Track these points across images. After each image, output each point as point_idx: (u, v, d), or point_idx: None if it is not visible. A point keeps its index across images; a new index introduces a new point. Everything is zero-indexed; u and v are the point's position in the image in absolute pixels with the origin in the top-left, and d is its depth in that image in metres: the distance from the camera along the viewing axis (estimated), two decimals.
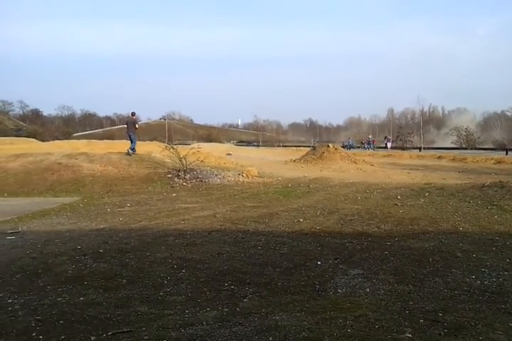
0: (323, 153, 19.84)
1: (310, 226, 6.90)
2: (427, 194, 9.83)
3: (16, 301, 3.96)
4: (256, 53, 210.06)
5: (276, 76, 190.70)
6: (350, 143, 48.28)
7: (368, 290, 4.21)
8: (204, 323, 3.45)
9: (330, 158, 19.27)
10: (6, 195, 11.75)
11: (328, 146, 20.64)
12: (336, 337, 3.18)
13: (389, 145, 48.07)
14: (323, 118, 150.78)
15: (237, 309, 3.75)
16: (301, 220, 7.37)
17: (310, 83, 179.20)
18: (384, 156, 29.98)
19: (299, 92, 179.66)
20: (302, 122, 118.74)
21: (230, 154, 16.48)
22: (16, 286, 4.36)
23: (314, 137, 71.70)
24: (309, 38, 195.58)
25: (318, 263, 5.06)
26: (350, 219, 7.39)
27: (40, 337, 3.25)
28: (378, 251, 5.56)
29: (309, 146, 41.17)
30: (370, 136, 52.70)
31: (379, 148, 46.79)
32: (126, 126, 17.23)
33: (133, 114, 17.46)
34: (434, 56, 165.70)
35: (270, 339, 3.17)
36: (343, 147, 34.08)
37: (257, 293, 4.15)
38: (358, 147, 48.52)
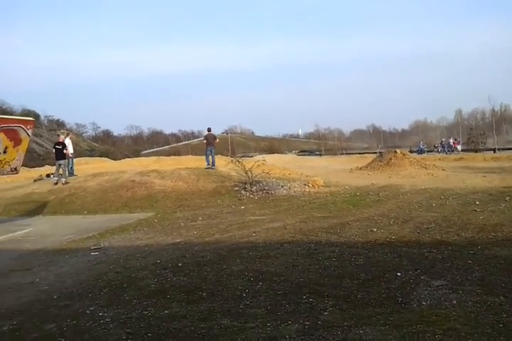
0: (391, 159, 19.25)
1: (385, 236, 6.70)
2: (507, 198, 9.27)
3: (106, 314, 4.18)
4: (312, 61, 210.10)
5: (335, 83, 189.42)
6: (421, 147, 46.12)
7: (454, 302, 4.01)
8: (287, 337, 3.45)
9: (398, 164, 18.64)
10: (85, 212, 12.49)
11: (396, 152, 20.01)
12: None
13: (459, 147, 45.73)
14: (386, 123, 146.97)
15: (319, 322, 3.70)
16: (375, 230, 7.18)
17: (371, 88, 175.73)
18: (455, 160, 28.59)
19: (361, 98, 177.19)
20: (365, 128, 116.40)
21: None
22: (104, 300, 4.60)
23: (378, 143, 69.53)
24: (369, 42, 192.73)
25: (398, 274, 4.89)
26: (427, 228, 7.10)
27: None
28: (461, 260, 5.29)
29: (374, 153, 40.13)
30: (447, 139, 48.74)
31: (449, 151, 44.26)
32: (205, 141, 17.93)
33: (209, 129, 18.39)
34: (502, 53, 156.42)
35: None
36: (411, 152, 32.70)
37: (337, 305, 4.08)
38: (430, 151, 46.14)
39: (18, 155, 10.55)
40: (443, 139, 48.80)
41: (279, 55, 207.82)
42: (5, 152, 10.05)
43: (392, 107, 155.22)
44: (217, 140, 18.49)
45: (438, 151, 44.86)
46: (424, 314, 3.75)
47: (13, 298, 4.94)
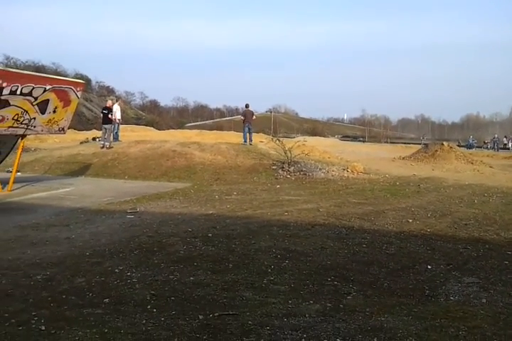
0: (436, 151, 18.62)
1: (420, 228, 6.53)
2: None
3: (133, 275, 4.31)
4: (365, 47, 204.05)
5: (387, 69, 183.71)
6: (471, 142, 44.31)
7: (484, 300, 3.88)
8: (307, 315, 3.45)
9: (443, 157, 18.02)
10: (126, 177, 12.83)
11: (443, 144, 19.34)
12: None
13: (511, 145, 43.70)
14: (436, 115, 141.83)
15: (341, 305, 3.68)
16: (410, 221, 7.01)
17: (424, 77, 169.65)
18: (505, 158, 27.30)
19: (412, 86, 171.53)
20: (413, 118, 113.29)
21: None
22: (134, 261, 4.74)
23: (425, 133, 67.17)
24: (426, 30, 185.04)
25: (429, 267, 4.77)
26: (466, 224, 6.86)
27: (154, 310, 3.50)
28: (497, 260, 5.09)
29: (420, 144, 38.94)
30: (509, 136, 46.00)
31: (501, 149, 42.15)
32: (243, 117, 17.73)
33: (247, 105, 18.15)
34: None
35: (375, 340, 3.06)
36: (459, 146, 31.43)
37: (362, 291, 4.03)
38: (480, 147, 44.28)
39: (66, 115, 10.84)
40: (495, 135, 46.67)
41: (332, 36, 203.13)
42: (54, 111, 10.35)
43: (444, 98, 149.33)
44: (255, 117, 18.09)
45: (487, 148, 43.02)
46: (451, 309, 3.66)
47: (49, 251, 5.18)
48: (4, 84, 8.66)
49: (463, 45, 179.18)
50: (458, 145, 28.04)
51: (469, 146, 41.24)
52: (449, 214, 7.59)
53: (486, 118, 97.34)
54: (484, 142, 47.59)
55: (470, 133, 57.64)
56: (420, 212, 7.76)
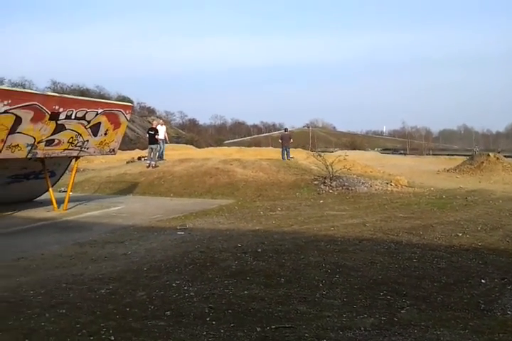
0: (482, 162, 18.17)
1: (470, 242, 6.43)
2: None
3: (190, 289, 4.49)
4: (402, 57, 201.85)
5: (426, 80, 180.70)
6: None
7: None
8: (362, 328, 3.50)
9: (490, 169, 17.56)
10: (172, 195, 13.24)
11: (489, 155, 18.83)
12: None
13: None
14: (480, 125, 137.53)
15: (395, 319, 3.71)
16: (460, 234, 6.90)
17: (465, 86, 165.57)
18: None
19: (453, 96, 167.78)
20: (455, 128, 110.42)
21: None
22: (189, 275, 4.93)
23: (477, 144, 64.93)
24: (465, 37, 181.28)
25: (482, 281, 4.71)
26: None
27: (214, 322, 3.65)
28: None
29: (464, 155, 37.86)
30: None
31: None
32: (280, 140, 19.77)
33: (286, 129, 21.27)
34: None
35: None
36: (506, 156, 30.39)
37: (415, 305, 4.04)
38: None
39: (116, 137, 11.39)
40: None
41: (368, 49, 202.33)
42: (106, 134, 10.91)
43: (487, 107, 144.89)
44: (292, 140, 20.40)
45: None
46: (509, 323, 3.62)
47: (108, 266, 5.47)
48: (61, 110, 9.26)
49: (502, 50, 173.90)
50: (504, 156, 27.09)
51: None
52: (500, 227, 7.42)
53: None
54: None
55: None
56: (469, 225, 7.62)
